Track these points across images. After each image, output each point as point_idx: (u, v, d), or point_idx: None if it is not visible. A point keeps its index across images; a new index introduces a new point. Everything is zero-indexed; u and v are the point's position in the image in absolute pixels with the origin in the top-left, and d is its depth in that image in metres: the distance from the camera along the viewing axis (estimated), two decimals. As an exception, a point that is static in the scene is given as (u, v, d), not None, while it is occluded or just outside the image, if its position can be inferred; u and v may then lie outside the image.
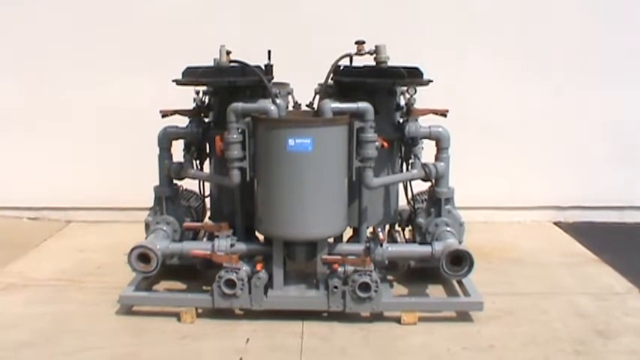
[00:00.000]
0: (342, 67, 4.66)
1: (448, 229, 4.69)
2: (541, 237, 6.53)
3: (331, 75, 4.61)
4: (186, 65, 4.61)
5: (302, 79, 4.86)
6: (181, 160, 4.79)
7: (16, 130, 6.82)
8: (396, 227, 5.22)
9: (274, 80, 4.80)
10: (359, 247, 4.60)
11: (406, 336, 4.31)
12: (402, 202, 5.04)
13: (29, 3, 6.65)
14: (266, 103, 4.37)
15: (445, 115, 4.75)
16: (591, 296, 4.96)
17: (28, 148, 6.82)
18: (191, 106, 4.83)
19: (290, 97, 5.01)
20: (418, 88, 4.64)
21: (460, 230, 4.77)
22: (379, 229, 4.53)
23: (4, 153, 6.86)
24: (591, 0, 6.71)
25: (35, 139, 6.80)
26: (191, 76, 4.56)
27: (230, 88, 4.53)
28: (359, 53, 4.54)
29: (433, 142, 4.76)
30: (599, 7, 6.69)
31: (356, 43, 4.53)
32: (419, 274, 5.04)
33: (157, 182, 4.85)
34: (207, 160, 4.96)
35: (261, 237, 4.76)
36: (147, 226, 4.84)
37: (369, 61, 4.58)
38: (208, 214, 5.19)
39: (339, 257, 4.45)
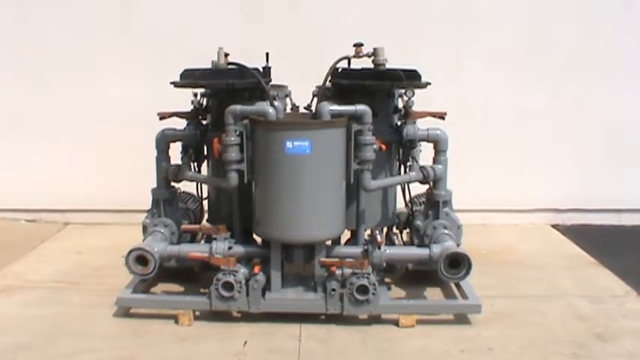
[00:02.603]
0: (340, 70, 4.66)
1: (446, 231, 4.69)
2: (539, 240, 6.52)
3: (329, 77, 4.61)
4: (184, 67, 4.60)
5: (300, 82, 4.85)
6: (179, 162, 4.79)
7: (14, 131, 6.81)
8: (394, 230, 5.22)
9: (272, 82, 4.79)
10: (357, 250, 4.60)
11: (404, 339, 4.31)
12: (400, 204, 5.03)
13: (29, 3, 6.65)
14: (264, 106, 4.37)
15: (443, 118, 4.75)
16: (590, 299, 4.96)
17: (26, 150, 6.82)
18: (189, 108, 4.82)
19: (288, 99, 5.00)
20: (416, 91, 4.63)
21: (458, 233, 4.76)
22: (377, 232, 4.52)
23: (1, 155, 6.85)
24: (591, 0, 6.72)
25: (33, 141, 6.79)
26: (189, 78, 4.56)
27: (228, 91, 4.52)
28: (357, 56, 4.55)
29: (431, 145, 4.76)
30: (599, 6, 6.69)
31: (354, 45, 4.54)
32: (417, 277, 5.03)
33: (154, 184, 4.85)
34: (205, 162, 4.95)
35: (259, 239, 4.75)
36: (144, 228, 4.84)
37: (367, 63, 4.59)
38: (206, 216, 5.18)
39: (337, 260, 4.45)
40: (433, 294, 4.96)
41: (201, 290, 4.81)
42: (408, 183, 4.85)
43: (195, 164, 4.89)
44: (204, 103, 4.89)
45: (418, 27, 6.60)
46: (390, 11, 6.57)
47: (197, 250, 4.57)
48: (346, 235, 4.80)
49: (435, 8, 6.63)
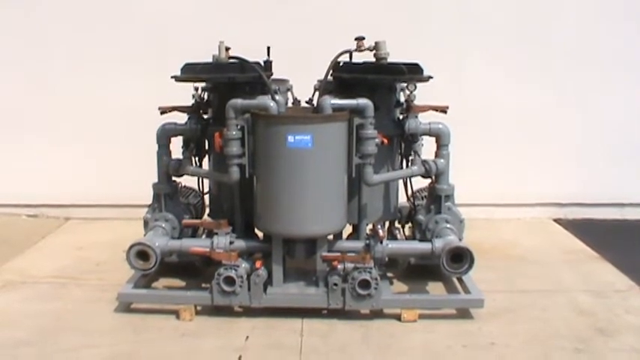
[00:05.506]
0: (341, 64, 4.64)
1: (448, 226, 4.68)
2: (541, 234, 6.51)
3: (331, 71, 4.59)
4: (185, 61, 4.58)
5: (301, 76, 4.83)
6: (180, 156, 4.77)
7: (15, 127, 6.79)
8: (396, 224, 5.21)
9: (274, 76, 4.77)
10: (359, 244, 4.58)
11: (406, 333, 4.30)
12: (402, 198, 5.02)
13: (29, 3, 6.63)
14: (265, 100, 4.34)
15: (445, 112, 4.73)
16: (592, 294, 4.94)
17: (27, 145, 6.80)
18: (190, 102, 4.81)
19: (289, 93, 4.99)
20: (418, 85, 4.61)
21: (460, 227, 4.75)
22: (379, 226, 4.51)
23: (3, 150, 6.84)
24: (592, 0, 6.70)
25: (34, 137, 6.78)
26: (190, 72, 4.54)
27: (229, 85, 4.51)
28: (359, 49, 4.53)
29: (433, 139, 4.74)
30: (599, 6, 6.67)
31: (356, 39, 4.52)
32: (419, 272, 5.02)
33: (155, 179, 4.83)
34: (207, 156, 4.93)
35: (260, 234, 4.74)
36: (146, 223, 4.83)
37: (368, 57, 4.56)
38: (207, 211, 5.17)
39: (338, 254, 4.43)
40: (435, 288, 4.96)
41: (203, 285, 4.80)
42: (410, 177, 4.84)
43: (197, 159, 4.88)
44: (206, 97, 4.87)
45: (421, 21, 6.58)
46: (392, 5, 6.54)
47: (198, 245, 4.55)
48: (348, 229, 4.79)
49: (438, 4, 6.61)
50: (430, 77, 4.58)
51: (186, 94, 4.80)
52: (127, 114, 6.50)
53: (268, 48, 4.71)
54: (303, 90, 4.95)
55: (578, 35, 6.66)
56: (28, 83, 6.74)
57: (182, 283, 5.03)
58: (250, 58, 4.47)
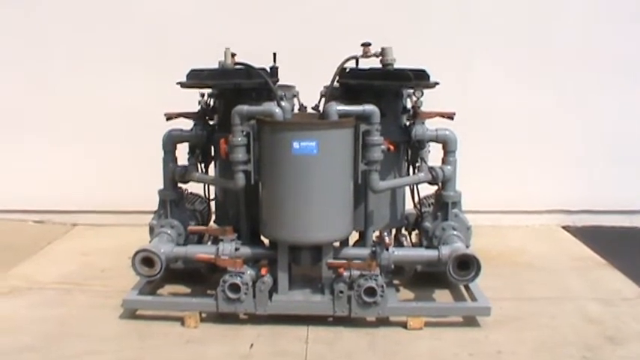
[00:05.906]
0: (348, 70, 4.63)
1: (455, 233, 4.65)
2: (549, 241, 6.47)
3: (337, 77, 4.58)
4: (190, 67, 4.58)
5: (308, 82, 4.82)
6: (186, 163, 4.77)
7: (21, 132, 6.81)
8: (403, 231, 5.19)
9: (280, 83, 4.77)
10: (365, 251, 4.56)
11: (412, 341, 4.27)
12: (409, 205, 5.00)
13: (29, 3, 6.65)
14: (271, 106, 4.33)
15: (452, 118, 4.71)
16: (600, 301, 4.90)
17: (33, 151, 6.81)
18: (196, 108, 4.81)
19: (296, 99, 4.98)
20: (425, 91, 4.59)
21: (467, 234, 4.73)
22: (385, 233, 4.49)
23: (9, 156, 6.85)
24: (594, 2, 6.67)
25: (40, 143, 6.79)
26: (196, 78, 4.54)
27: (235, 91, 4.51)
28: (365, 55, 4.52)
29: (440, 145, 4.72)
30: (602, 8, 6.65)
31: (362, 45, 4.51)
32: (425, 279, 4.99)
33: (161, 185, 4.83)
34: (212, 163, 4.93)
35: (266, 241, 4.72)
36: (151, 229, 4.82)
37: (375, 63, 4.55)
38: (214, 217, 5.16)
39: (344, 261, 4.42)
40: (442, 296, 4.93)
41: (208, 292, 4.77)
42: (417, 184, 4.82)
43: (202, 165, 4.87)
44: (211, 103, 4.87)
45: (425, 27, 6.57)
46: (397, 11, 6.53)
47: (204, 252, 4.55)
48: (354, 236, 4.76)
49: (442, 8, 6.60)
50: (437, 83, 4.56)
51: (186, 95, 4.78)
52: (127, 114, 6.50)
53: (274, 54, 4.71)
54: (310, 96, 4.94)
55: (587, 40, 6.63)
56: (28, 83, 6.74)
57: (187, 290, 5.02)
58: (256, 64, 4.46)
